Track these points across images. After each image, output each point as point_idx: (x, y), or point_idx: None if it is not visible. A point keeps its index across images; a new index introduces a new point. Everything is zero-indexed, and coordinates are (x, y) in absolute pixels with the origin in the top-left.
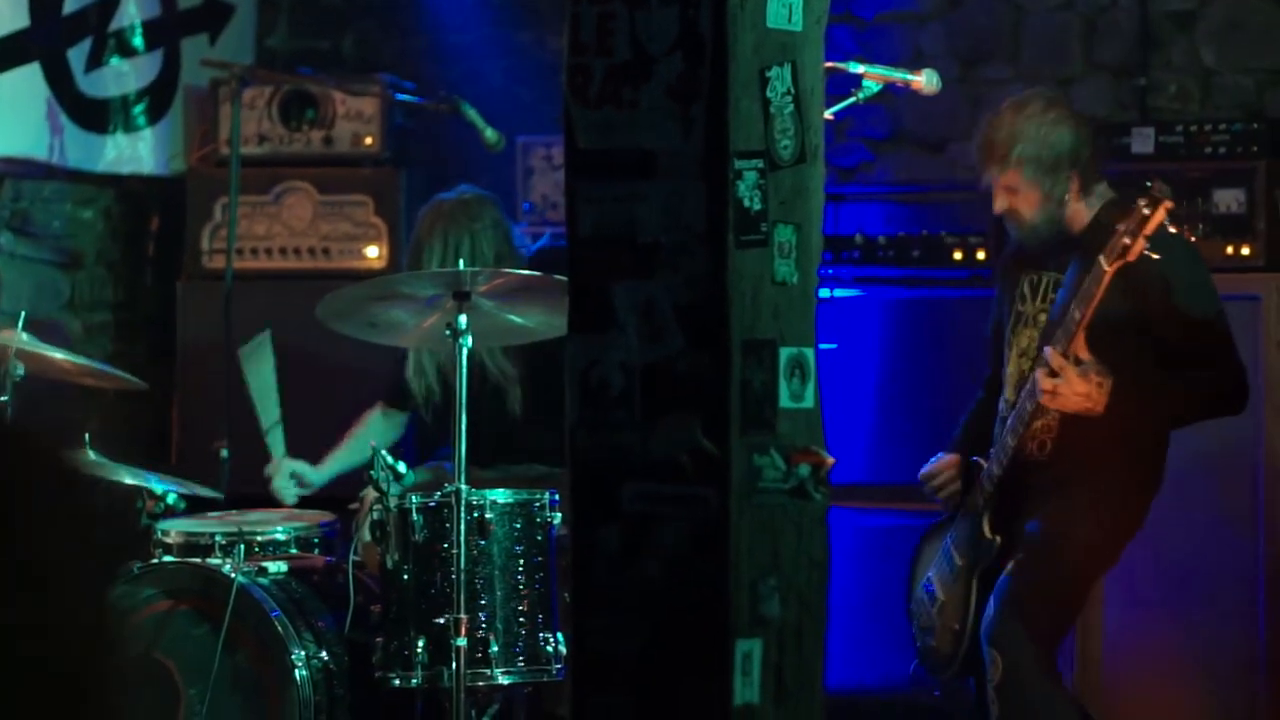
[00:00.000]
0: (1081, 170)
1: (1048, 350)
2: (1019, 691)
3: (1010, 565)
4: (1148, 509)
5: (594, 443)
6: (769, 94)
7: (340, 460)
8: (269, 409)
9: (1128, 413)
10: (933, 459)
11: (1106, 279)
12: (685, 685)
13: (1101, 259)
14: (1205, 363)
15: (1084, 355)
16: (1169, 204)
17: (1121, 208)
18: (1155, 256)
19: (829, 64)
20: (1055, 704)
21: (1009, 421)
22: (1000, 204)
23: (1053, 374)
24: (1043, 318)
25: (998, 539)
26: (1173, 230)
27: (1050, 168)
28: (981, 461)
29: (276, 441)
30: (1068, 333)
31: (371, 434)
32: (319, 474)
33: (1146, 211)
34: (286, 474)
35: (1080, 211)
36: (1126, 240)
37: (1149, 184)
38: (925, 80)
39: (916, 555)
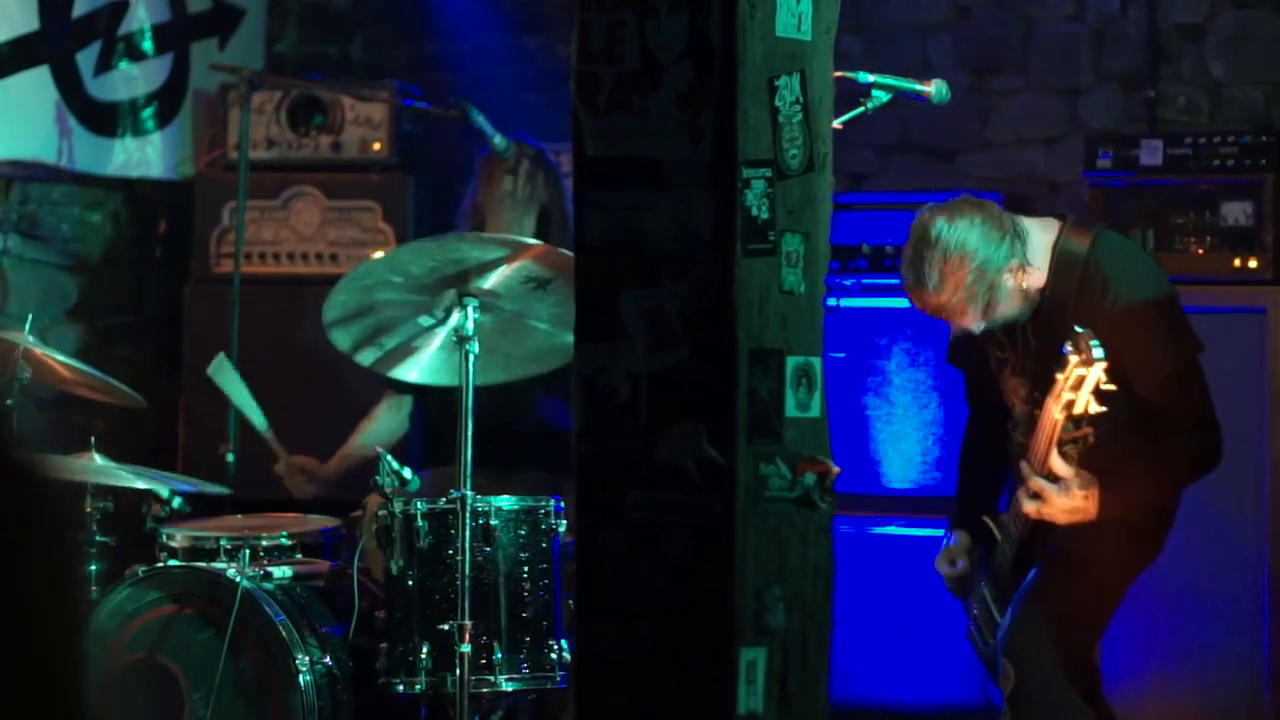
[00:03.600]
0: (1016, 257)
1: (1025, 470)
2: (1030, 703)
3: (1030, 578)
4: (1165, 537)
5: (599, 450)
6: (777, 103)
7: (352, 453)
8: (256, 416)
9: (1120, 505)
10: (945, 541)
11: (1060, 424)
12: (689, 693)
13: (1050, 405)
14: (1174, 427)
15: (1063, 473)
16: (1103, 364)
17: (1073, 242)
18: (1110, 388)
19: (838, 73)
20: (1068, 717)
21: (1012, 512)
22: (982, 328)
23: (1034, 495)
24: (1030, 365)
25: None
26: (1109, 385)
27: (980, 277)
28: (995, 526)
29: (275, 441)
30: (1039, 459)
31: (380, 426)
32: (329, 470)
33: (1081, 372)
34: (295, 469)
35: (1034, 274)
36: (1069, 395)
37: (1079, 330)
38: (934, 90)
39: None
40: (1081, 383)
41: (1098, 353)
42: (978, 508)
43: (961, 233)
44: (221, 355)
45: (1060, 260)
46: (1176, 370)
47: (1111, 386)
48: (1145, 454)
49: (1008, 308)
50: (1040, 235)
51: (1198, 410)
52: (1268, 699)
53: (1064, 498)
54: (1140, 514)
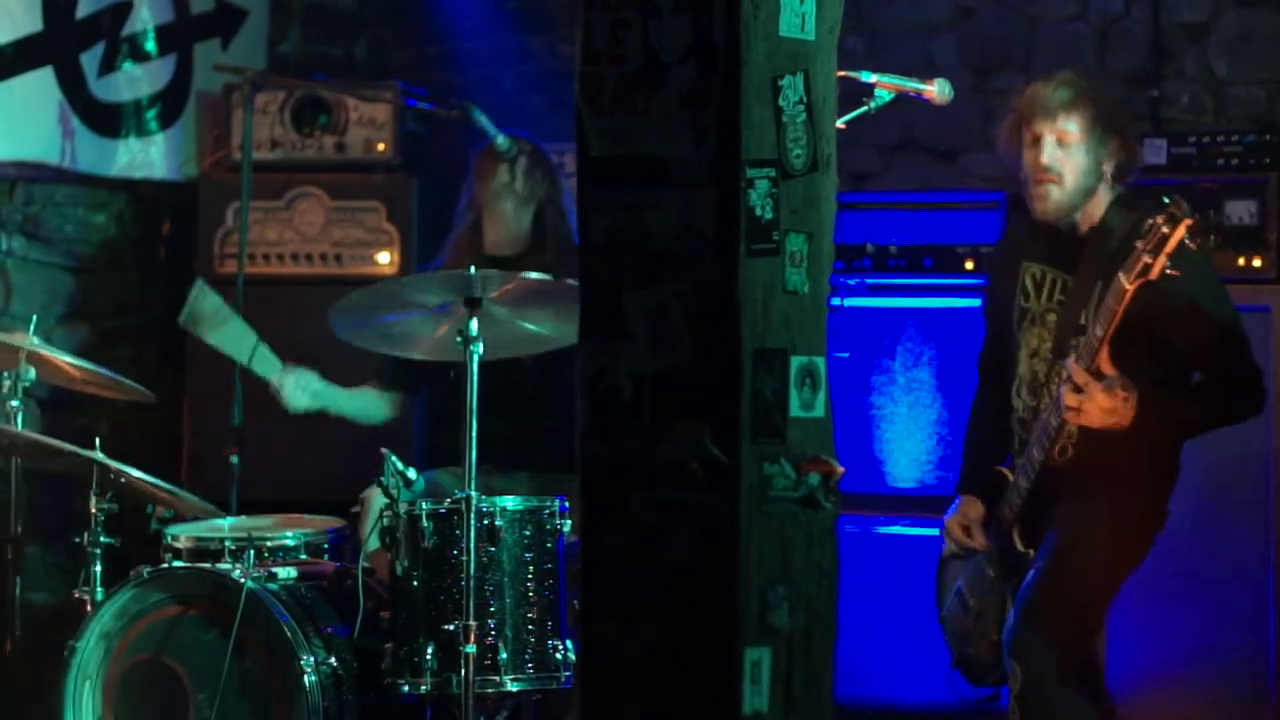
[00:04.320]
0: (1116, 155)
1: (1070, 364)
2: (1039, 702)
3: (1031, 574)
4: (1166, 508)
5: (604, 450)
6: (781, 102)
7: (342, 395)
8: (240, 342)
9: (1149, 423)
10: (954, 504)
11: (1128, 297)
12: (694, 693)
13: (1122, 276)
14: (1221, 371)
15: (1109, 370)
16: (1189, 221)
17: (1129, 212)
18: (1175, 274)
19: (841, 73)
20: (1076, 715)
21: (1035, 435)
22: (1049, 154)
23: (1077, 389)
24: (1051, 317)
25: (1030, 551)
26: (1190, 245)
27: (1104, 132)
28: (1005, 472)
29: (266, 360)
30: (1090, 349)
31: (362, 399)
32: (325, 388)
33: (1166, 230)
34: (292, 382)
35: (1094, 205)
36: (1147, 259)
37: (1167, 199)
38: (937, 90)
39: (942, 563)
40: (1164, 242)
41: (1186, 210)
42: (985, 469)
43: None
44: (198, 282)
45: (1105, 220)
46: (1231, 321)
47: (1193, 244)
48: (1182, 387)
49: (1091, 188)
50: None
51: (1243, 361)
52: (1272, 695)
53: (1107, 397)
54: (1171, 436)
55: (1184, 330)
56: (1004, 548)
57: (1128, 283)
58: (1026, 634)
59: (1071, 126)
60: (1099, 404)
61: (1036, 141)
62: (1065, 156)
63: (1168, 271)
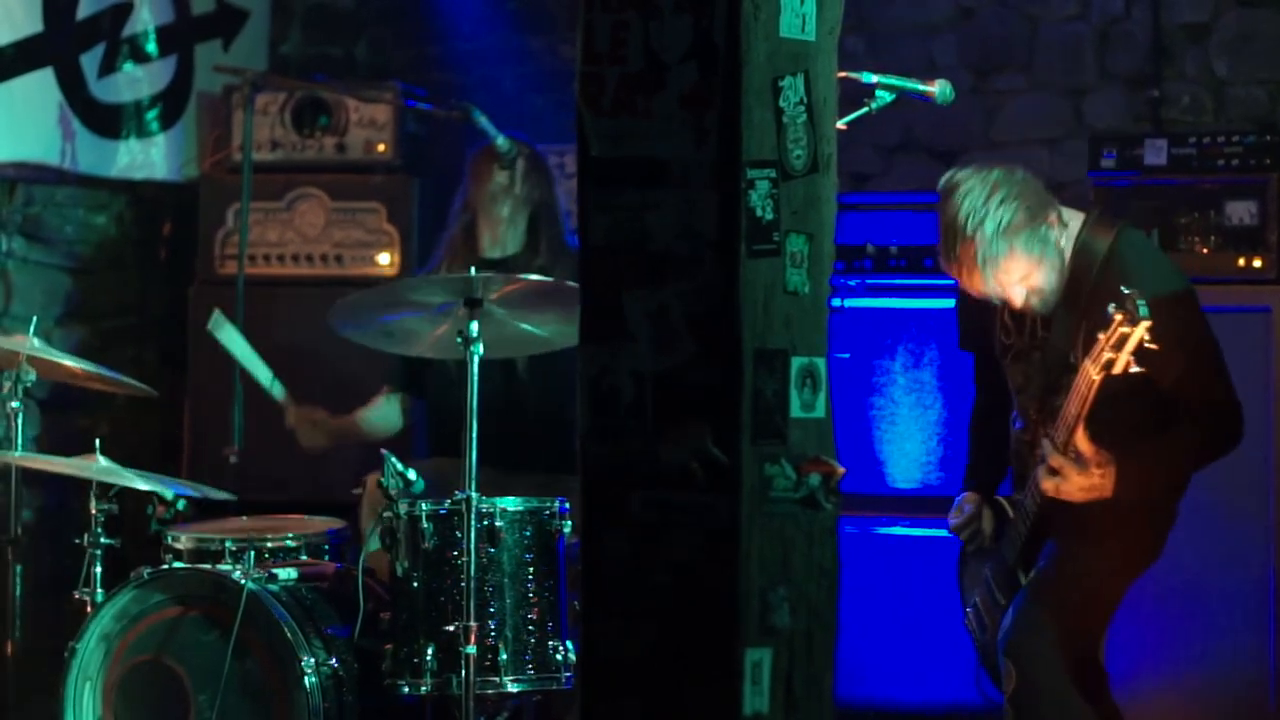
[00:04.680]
0: (1052, 216)
1: (1046, 447)
2: (1033, 704)
3: (1030, 577)
4: (1166, 536)
5: (605, 450)
6: (782, 103)
7: (358, 423)
8: (260, 369)
9: (1134, 482)
10: (957, 500)
11: (1096, 385)
12: (694, 694)
13: (1088, 365)
14: (1200, 403)
15: (1085, 449)
16: (1148, 323)
17: (1104, 232)
18: (1152, 347)
19: (842, 73)
20: (1070, 717)
21: (1028, 490)
22: (1021, 299)
23: (1053, 472)
24: (1035, 355)
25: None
26: (1151, 346)
27: (1034, 225)
28: (1007, 508)
29: (281, 392)
30: (1066, 429)
31: (379, 413)
32: (337, 425)
33: (1125, 330)
34: (304, 419)
35: (1067, 252)
36: (1110, 355)
37: (1125, 290)
38: (938, 90)
39: (961, 566)
40: (1125, 341)
41: (1143, 311)
42: (989, 472)
43: (1000, 183)
44: (218, 311)
45: (1081, 252)
46: (1196, 364)
47: (1154, 346)
48: (1162, 435)
49: (1063, 256)
50: (1063, 212)
51: (1217, 397)
52: (1273, 698)
53: (1082, 475)
54: (1160, 491)
55: (1163, 370)
56: (1011, 577)
57: (1095, 374)
58: (1023, 634)
59: (1015, 271)
60: (1076, 484)
61: (997, 295)
62: (1032, 283)
63: (1133, 370)
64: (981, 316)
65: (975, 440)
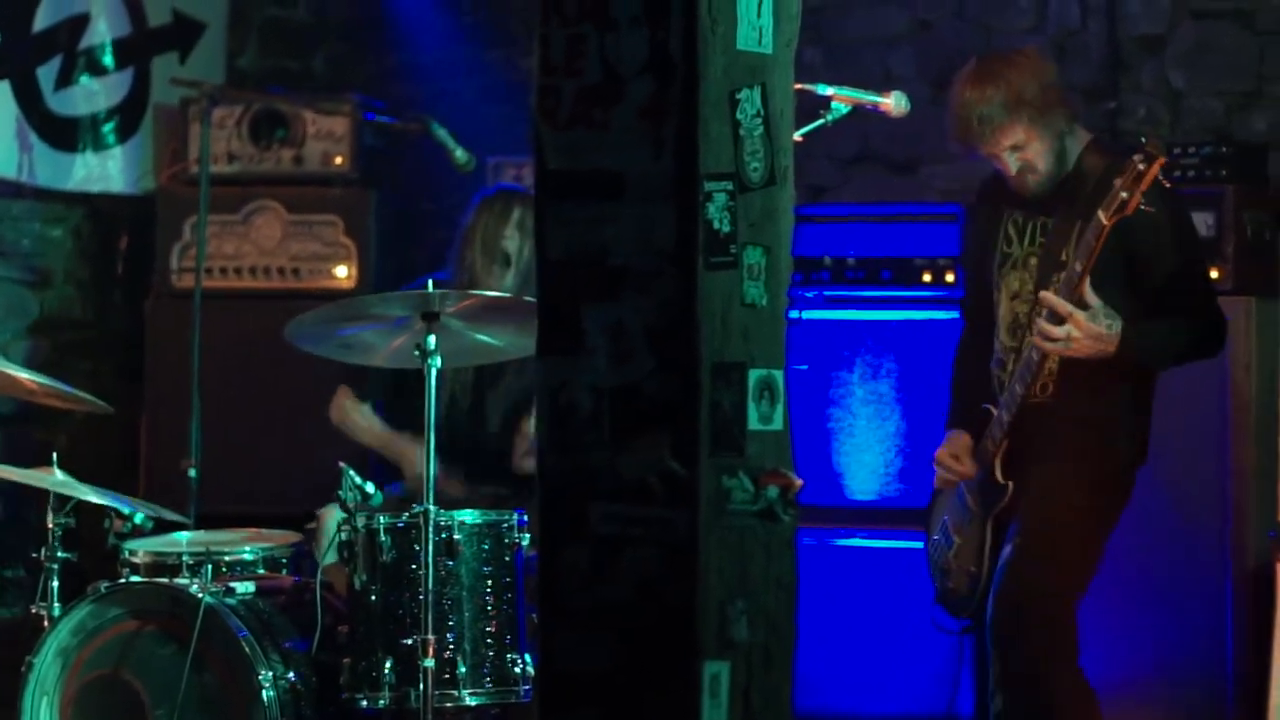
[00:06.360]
0: (1066, 101)
1: (1050, 297)
2: (1022, 684)
3: (1006, 551)
4: (1134, 477)
5: (563, 464)
6: (739, 116)
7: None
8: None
9: (1128, 354)
10: (949, 437)
11: (1105, 232)
12: (653, 707)
13: (1100, 213)
14: (1187, 309)
15: (1091, 300)
16: (1162, 160)
17: (1103, 156)
18: (1149, 210)
19: (798, 86)
20: (1059, 695)
21: (1018, 371)
22: (1014, 165)
23: (1060, 321)
24: (1032, 261)
25: (1010, 484)
26: (1165, 184)
27: (1044, 107)
28: (991, 409)
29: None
30: (1070, 282)
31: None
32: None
33: (1142, 167)
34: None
35: (1069, 156)
36: (1124, 195)
37: (1144, 139)
38: (894, 102)
39: (933, 497)
40: (1141, 177)
41: (1161, 148)
42: (972, 406)
43: (1024, 61)
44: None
45: (1086, 157)
46: (1188, 270)
47: (1149, 208)
48: (1153, 321)
49: (1065, 148)
50: (1074, 123)
51: (1205, 302)
52: (1230, 704)
53: (1092, 325)
54: (1143, 386)
55: (1158, 261)
56: (986, 480)
57: (1106, 219)
58: (1005, 616)
59: (1016, 135)
60: (1086, 331)
61: (994, 157)
62: (1027, 154)
63: (1143, 208)
64: (989, 227)
65: (961, 377)
